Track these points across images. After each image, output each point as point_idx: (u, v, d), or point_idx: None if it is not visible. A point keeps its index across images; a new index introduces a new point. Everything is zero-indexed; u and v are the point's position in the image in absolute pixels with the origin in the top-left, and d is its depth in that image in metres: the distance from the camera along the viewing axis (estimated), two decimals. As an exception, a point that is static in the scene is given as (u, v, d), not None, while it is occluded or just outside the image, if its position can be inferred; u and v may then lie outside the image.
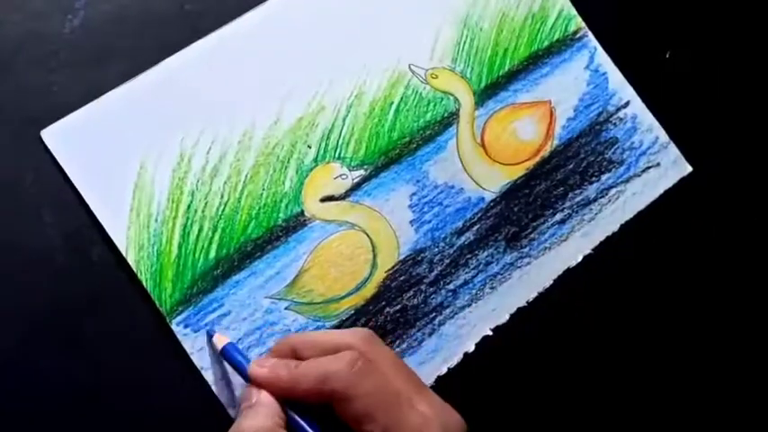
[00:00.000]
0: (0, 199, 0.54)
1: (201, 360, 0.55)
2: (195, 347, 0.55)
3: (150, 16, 0.60)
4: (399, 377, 0.51)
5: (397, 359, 0.53)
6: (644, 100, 0.70)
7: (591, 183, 0.67)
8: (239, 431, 0.49)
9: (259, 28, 0.61)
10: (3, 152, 0.55)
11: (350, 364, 0.49)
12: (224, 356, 0.54)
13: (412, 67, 0.64)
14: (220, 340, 0.55)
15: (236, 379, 0.55)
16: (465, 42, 0.66)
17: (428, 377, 0.60)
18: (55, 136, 0.55)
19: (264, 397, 0.51)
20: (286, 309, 0.58)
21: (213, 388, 0.55)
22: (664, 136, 0.70)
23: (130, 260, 0.55)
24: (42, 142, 0.55)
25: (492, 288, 0.63)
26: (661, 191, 0.69)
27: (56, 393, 0.53)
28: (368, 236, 0.60)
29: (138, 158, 0.57)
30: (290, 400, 0.51)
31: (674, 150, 0.70)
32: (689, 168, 0.70)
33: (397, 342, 0.60)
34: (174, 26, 0.61)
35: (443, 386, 0.60)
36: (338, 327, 0.59)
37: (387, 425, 0.48)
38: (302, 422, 0.51)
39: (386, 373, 0.50)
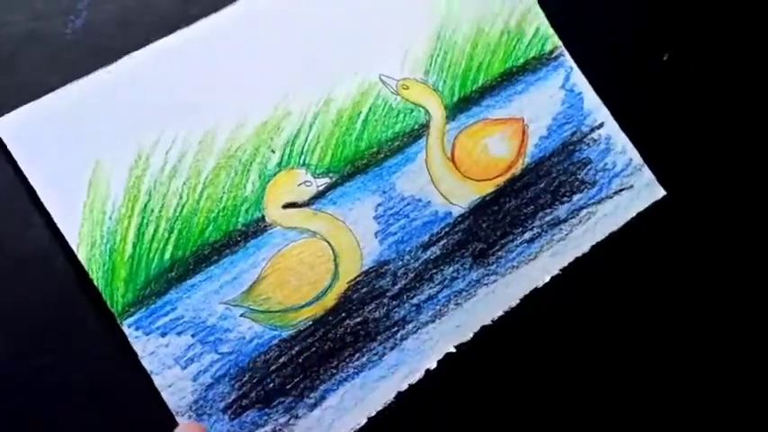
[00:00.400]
0: None
1: (152, 364, 0.53)
2: (146, 351, 0.54)
3: (153, 17, 0.60)
4: None
5: None
6: (619, 121, 0.69)
7: (562, 202, 0.66)
8: None
9: (228, 29, 0.60)
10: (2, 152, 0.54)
11: None
12: None
13: (382, 77, 0.63)
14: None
15: (187, 385, 0.53)
16: (438, 55, 0.65)
17: (388, 393, 0.59)
18: (9, 126, 0.54)
19: None
20: (241, 316, 0.56)
21: (162, 393, 0.53)
22: (637, 158, 0.69)
23: (81, 258, 0.53)
24: None
25: (457, 305, 0.61)
26: (633, 213, 0.68)
27: (53, 395, 0.53)
28: (330, 245, 0.59)
29: (94, 154, 0.55)
30: None
31: (647, 173, 0.69)
32: (662, 192, 0.69)
33: (357, 356, 0.58)
34: (177, 27, 0.60)
35: (404, 403, 0.59)
36: (296, 337, 0.57)
37: None
38: None
39: None
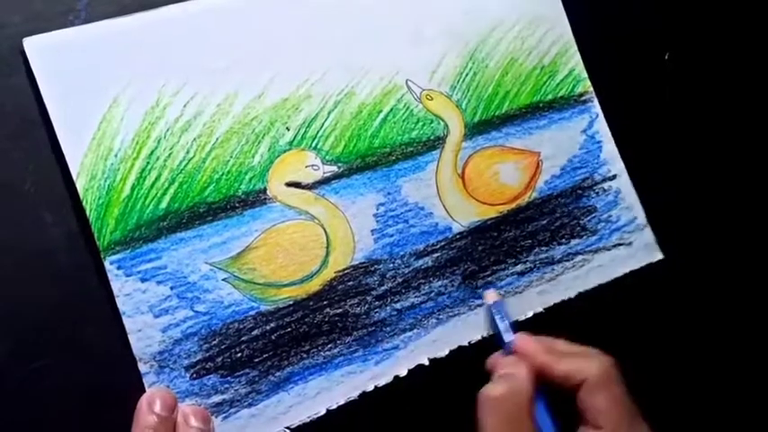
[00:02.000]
0: (0, 199, 0.54)
1: (125, 305, 0.54)
2: (122, 291, 0.54)
3: None
4: (630, 402, 0.56)
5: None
6: (635, 178, 0.70)
7: (560, 243, 0.67)
8: (496, 395, 0.55)
9: (268, 1, 0.61)
10: (3, 152, 0.55)
11: (611, 365, 0.56)
12: (492, 312, 0.63)
13: (409, 82, 0.65)
14: (492, 296, 0.63)
15: (155, 334, 0.54)
16: (468, 74, 0.67)
17: (353, 390, 0.59)
18: (36, 46, 0.55)
19: (525, 371, 0.56)
20: (224, 280, 0.57)
21: (130, 337, 0.54)
22: (642, 218, 0.70)
23: (79, 186, 0.54)
24: (40, 143, 0.56)
25: (438, 319, 0.62)
26: (626, 270, 0.69)
27: (52, 395, 0.53)
28: (325, 232, 0.60)
29: (113, 91, 0.57)
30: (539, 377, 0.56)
31: (649, 234, 0.70)
32: (660, 256, 0.70)
33: (329, 346, 0.59)
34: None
35: (365, 403, 0.60)
36: (273, 313, 0.58)
37: (614, 428, 0.54)
38: (543, 408, 0.57)
39: (625, 393, 0.56)
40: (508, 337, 0.61)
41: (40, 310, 0.53)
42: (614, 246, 0.69)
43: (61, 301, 0.54)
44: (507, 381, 0.56)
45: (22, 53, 0.54)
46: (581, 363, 0.56)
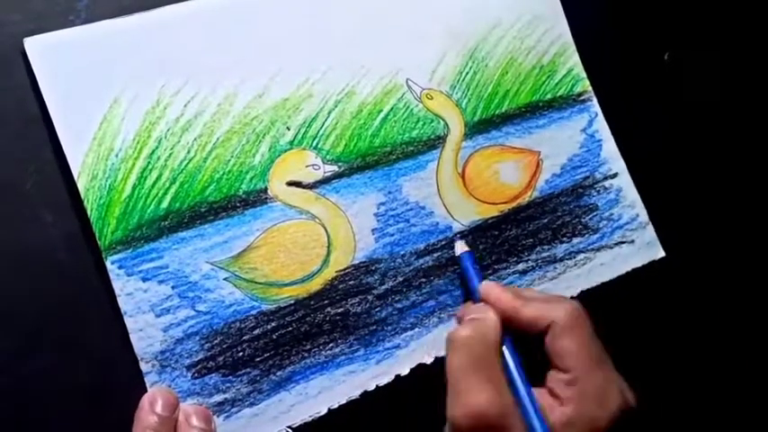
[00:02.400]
0: (0, 199, 0.55)
1: (126, 305, 0.55)
2: (124, 291, 0.55)
3: None
4: (600, 344, 0.57)
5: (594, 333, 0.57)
6: (636, 177, 0.71)
7: (561, 242, 0.67)
8: (463, 336, 0.55)
9: (269, 2, 0.62)
10: (3, 152, 0.55)
11: (575, 309, 0.57)
12: (461, 262, 0.63)
13: (409, 81, 0.65)
14: (461, 247, 0.64)
15: (157, 334, 0.54)
16: (468, 73, 0.67)
17: (354, 389, 0.60)
18: (38, 47, 0.55)
19: (492, 315, 0.57)
20: (225, 279, 0.57)
21: (131, 336, 0.54)
22: (644, 216, 0.70)
23: (80, 186, 0.55)
24: (41, 142, 0.56)
25: (439, 318, 0.63)
26: (629, 268, 0.69)
27: (53, 395, 0.54)
28: (326, 231, 0.60)
29: (114, 91, 0.57)
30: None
31: (651, 232, 0.70)
32: (662, 253, 0.70)
33: (331, 345, 0.59)
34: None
35: (368, 402, 0.60)
36: (275, 312, 0.58)
37: (582, 370, 0.54)
38: (510, 352, 0.57)
39: (594, 335, 0.56)
40: (476, 285, 0.61)
41: (40, 310, 0.54)
42: (616, 244, 0.69)
43: (62, 301, 0.54)
44: (475, 324, 0.56)
45: (23, 53, 0.54)
46: (547, 307, 0.57)
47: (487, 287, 0.60)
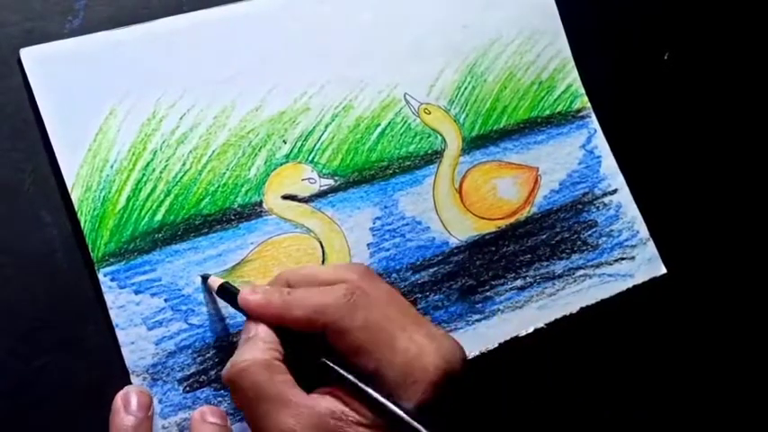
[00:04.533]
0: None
1: (118, 317, 0.55)
2: (116, 303, 0.55)
3: (149, 18, 0.62)
4: (395, 309, 0.52)
5: (393, 292, 0.54)
6: (638, 195, 0.72)
7: (560, 258, 0.68)
8: (235, 363, 0.50)
9: (266, 13, 0.63)
10: (3, 152, 0.56)
11: (344, 296, 0.51)
12: (219, 294, 0.57)
13: (407, 96, 0.66)
14: (215, 282, 0.57)
15: (149, 347, 0.55)
16: (466, 88, 0.68)
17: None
18: (34, 57, 0.56)
19: (262, 330, 0.52)
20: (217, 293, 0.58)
21: (123, 350, 0.55)
22: (645, 232, 0.71)
23: (74, 197, 0.56)
24: (39, 143, 0.57)
25: (435, 334, 0.63)
26: (629, 285, 0.70)
27: (53, 395, 0.54)
28: (321, 245, 0.61)
29: (110, 103, 0.58)
30: (284, 328, 0.52)
31: (651, 249, 0.71)
32: (663, 270, 0.71)
33: (324, 360, 0.59)
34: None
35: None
36: (267, 326, 0.58)
37: (380, 358, 0.49)
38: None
39: (381, 306, 0.51)
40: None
41: (38, 310, 0.54)
42: (616, 260, 0.70)
43: (60, 300, 0.55)
44: (248, 346, 0.52)
45: (19, 61, 0.56)
46: (316, 303, 0.51)
47: (244, 298, 0.54)
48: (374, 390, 0.48)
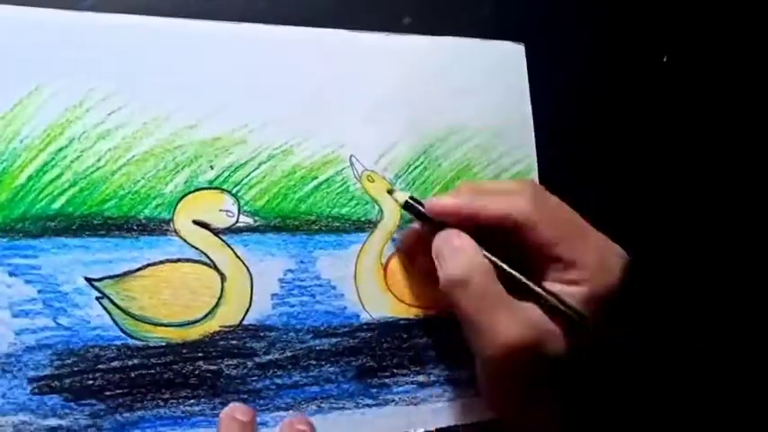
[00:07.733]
0: None
1: (-15, 294, 0.53)
2: (-14, 278, 0.53)
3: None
4: (570, 212, 0.60)
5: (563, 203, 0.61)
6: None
7: (472, 366, 0.66)
8: (454, 274, 0.58)
9: (232, 38, 0.63)
10: None
11: (533, 195, 0.59)
12: (406, 207, 0.64)
13: (353, 158, 0.65)
14: (402, 196, 0.64)
15: (8, 334, 0.54)
16: (417, 167, 0.68)
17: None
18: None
19: (466, 238, 0.59)
20: (97, 299, 0.56)
21: None
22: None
23: (-29, 160, 0.54)
24: None
25: (318, 408, 0.61)
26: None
27: None
28: (222, 282, 0.60)
29: (39, 79, 0.57)
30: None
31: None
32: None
33: (192, 401, 0.58)
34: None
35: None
36: (141, 349, 0.57)
37: (576, 246, 0.58)
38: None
39: (563, 205, 0.60)
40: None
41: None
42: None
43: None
44: (459, 256, 0.58)
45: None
46: (507, 203, 0.59)
47: (437, 203, 0.61)
48: (576, 276, 0.57)
